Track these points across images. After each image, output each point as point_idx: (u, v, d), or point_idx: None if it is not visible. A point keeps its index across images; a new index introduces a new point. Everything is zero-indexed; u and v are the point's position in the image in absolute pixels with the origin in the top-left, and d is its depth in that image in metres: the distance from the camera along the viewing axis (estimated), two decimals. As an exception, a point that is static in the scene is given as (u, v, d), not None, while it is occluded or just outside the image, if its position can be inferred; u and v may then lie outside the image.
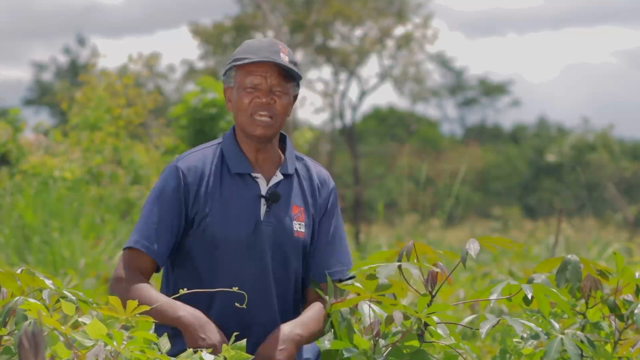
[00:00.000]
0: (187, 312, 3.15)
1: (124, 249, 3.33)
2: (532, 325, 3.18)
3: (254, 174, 3.37)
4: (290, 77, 3.37)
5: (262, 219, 3.34)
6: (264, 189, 3.37)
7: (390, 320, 3.08)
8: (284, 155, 3.44)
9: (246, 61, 3.32)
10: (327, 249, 3.42)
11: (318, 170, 3.50)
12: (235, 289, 3.08)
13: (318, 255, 3.41)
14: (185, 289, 3.07)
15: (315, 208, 3.43)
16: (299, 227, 3.38)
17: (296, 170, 3.44)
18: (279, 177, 3.39)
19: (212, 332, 3.13)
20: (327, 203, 3.46)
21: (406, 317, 3.13)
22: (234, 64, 3.36)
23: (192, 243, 3.33)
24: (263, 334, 3.30)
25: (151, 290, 3.24)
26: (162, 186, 3.34)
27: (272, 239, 3.34)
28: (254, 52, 3.34)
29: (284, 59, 3.34)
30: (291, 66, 3.34)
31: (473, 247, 3.21)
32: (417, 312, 3.08)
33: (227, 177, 3.36)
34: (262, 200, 3.35)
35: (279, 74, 3.34)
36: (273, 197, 3.35)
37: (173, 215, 3.31)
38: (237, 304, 3.14)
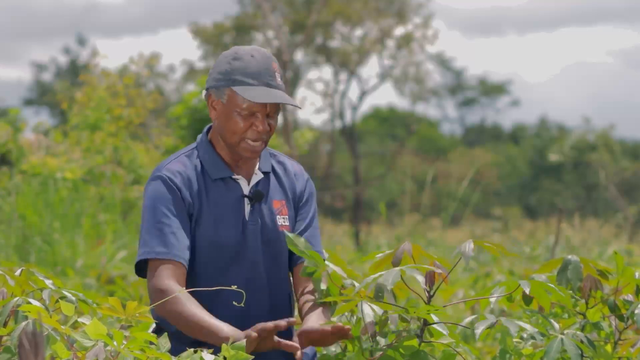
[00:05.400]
0: (230, 330, 3.12)
1: (146, 260, 3.27)
2: (527, 326, 3.18)
3: (234, 177, 3.38)
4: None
5: (247, 218, 3.35)
6: (246, 189, 3.39)
7: (385, 321, 3.08)
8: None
9: (250, 96, 3.27)
10: (308, 234, 3.45)
11: (292, 163, 3.54)
12: (234, 287, 3.08)
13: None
14: (184, 289, 3.07)
15: (294, 199, 3.47)
16: (284, 221, 3.42)
17: (272, 166, 3.47)
18: (259, 175, 3.42)
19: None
20: (304, 192, 3.50)
21: (404, 320, 3.13)
22: (234, 87, 3.31)
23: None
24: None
25: (193, 305, 3.19)
26: (155, 195, 3.32)
27: (260, 237, 3.37)
28: (254, 77, 3.32)
29: (278, 80, 3.35)
30: (285, 89, 3.37)
31: (467, 250, 3.21)
32: (414, 313, 3.07)
33: (209, 182, 3.37)
34: (246, 200, 3.37)
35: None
36: (256, 196, 3.37)
37: (181, 217, 3.31)
38: (235, 303, 3.14)
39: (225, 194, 3.36)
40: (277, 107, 3.36)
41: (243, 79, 3.32)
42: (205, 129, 3.46)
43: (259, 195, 3.38)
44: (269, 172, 3.45)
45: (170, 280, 3.22)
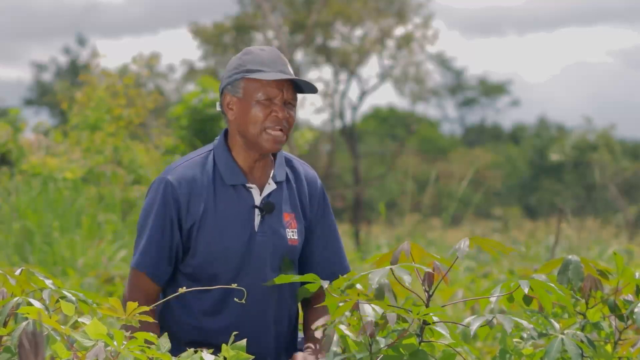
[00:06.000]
0: None
1: (131, 267, 3.36)
2: (523, 322, 3.18)
3: (248, 185, 3.35)
4: (298, 89, 3.35)
5: (256, 229, 3.33)
6: (257, 199, 3.35)
7: (385, 320, 3.07)
8: (275, 160, 3.42)
9: (266, 76, 3.27)
10: (327, 248, 3.42)
11: (306, 171, 3.48)
12: (234, 285, 3.07)
13: (320, 256, 3.41)
14: (184, 288, 3.06)
15: (306, 212, 3.43)
16: (292, 234, 3.38)
17: (286, 174, 3.43)
18: (272, 185, 3.37)
19: None
20: (319, 204, 3.46)
21: (403, 320, 3.13)
22: (249, 75, 3.30)
23: (187, 255, 3.32)
24: (258, 342, 3.30)
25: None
26: (154, 203, 3.32)
27: (268, 248, 3.33)
28: (267, 65, 3.30)
29: (290, 70, 3.34)
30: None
31: (462, 247, 3.20)
32: (416, 315, 3.07)
33: (220, 188, 3.33)
34: (256, 211, 3.34)
35: (292, 87, 3.33)
36: (267, 208, 3.33)
37: (170, 234, 3.31)
38: (236, 299, 3.13)
39: (235, 202, 3.32)
40: (294, 95, 3.32)
41: (256, 67, 3.30)
42: (222, 132, 3.42)
43: (269, 207, 3.33)
44: (283, 182, 3.40)
45: (134, 292, 3.32)
